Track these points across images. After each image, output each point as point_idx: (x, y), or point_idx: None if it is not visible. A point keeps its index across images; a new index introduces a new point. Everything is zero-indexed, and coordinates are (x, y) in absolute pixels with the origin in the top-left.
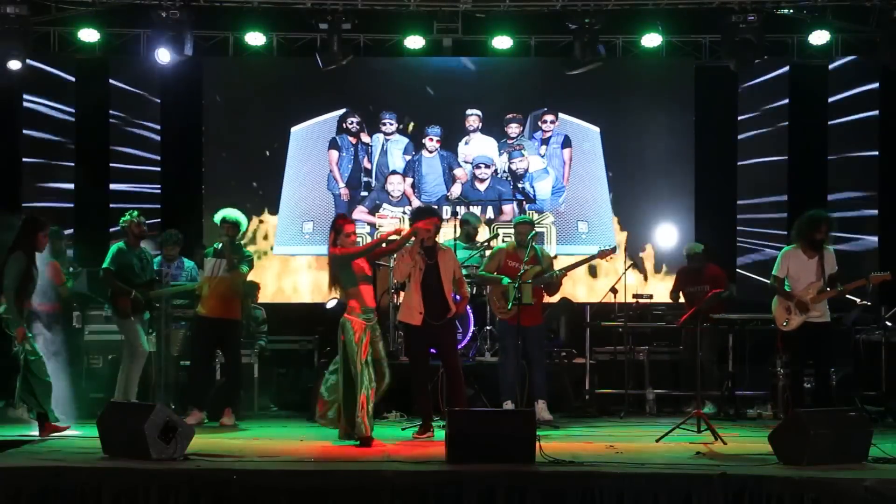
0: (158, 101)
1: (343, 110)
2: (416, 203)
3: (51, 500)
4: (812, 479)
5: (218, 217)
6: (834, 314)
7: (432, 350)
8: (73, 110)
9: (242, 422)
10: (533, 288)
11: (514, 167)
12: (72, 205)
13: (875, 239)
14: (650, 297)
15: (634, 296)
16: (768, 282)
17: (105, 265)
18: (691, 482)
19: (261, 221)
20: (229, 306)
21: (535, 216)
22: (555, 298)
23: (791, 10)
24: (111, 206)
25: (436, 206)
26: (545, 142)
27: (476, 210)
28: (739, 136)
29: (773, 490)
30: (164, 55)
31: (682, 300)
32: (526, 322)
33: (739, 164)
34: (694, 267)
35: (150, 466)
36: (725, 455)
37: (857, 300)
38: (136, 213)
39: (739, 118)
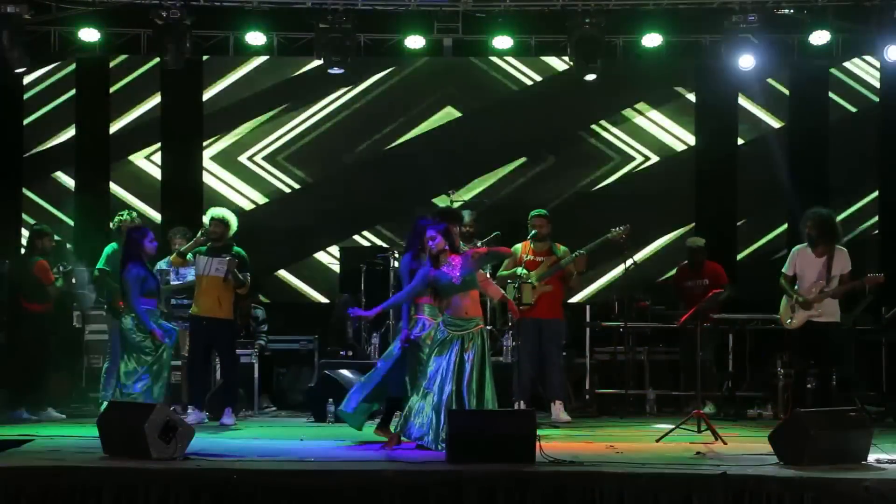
0: (159, 100)
1: None
2: None
3: (51, 500)
4: (812, 479)
5: (207, 217)
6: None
7: None
8: (73, 110)
9: (242, 422)
10: (549, 280)
11: None
12: (72, 203)
13: (875, 237)
14: (648, 300)
15: (634, 295)
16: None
17: (100, 265)
18: (691, 482)
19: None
20: (221, 305)
21: None
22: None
23: (791, 10)
24: (111, 205)
25: (459, 210)
26: None
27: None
28: (739, 136)
29: (773, 490)
30: (174, 62)
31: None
32: (544, 315)
33: (740, 163)
34: (693, 261)
35: (150, 466)
36: (725, 455)
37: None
38: (133, 213)
39: (739, 118)
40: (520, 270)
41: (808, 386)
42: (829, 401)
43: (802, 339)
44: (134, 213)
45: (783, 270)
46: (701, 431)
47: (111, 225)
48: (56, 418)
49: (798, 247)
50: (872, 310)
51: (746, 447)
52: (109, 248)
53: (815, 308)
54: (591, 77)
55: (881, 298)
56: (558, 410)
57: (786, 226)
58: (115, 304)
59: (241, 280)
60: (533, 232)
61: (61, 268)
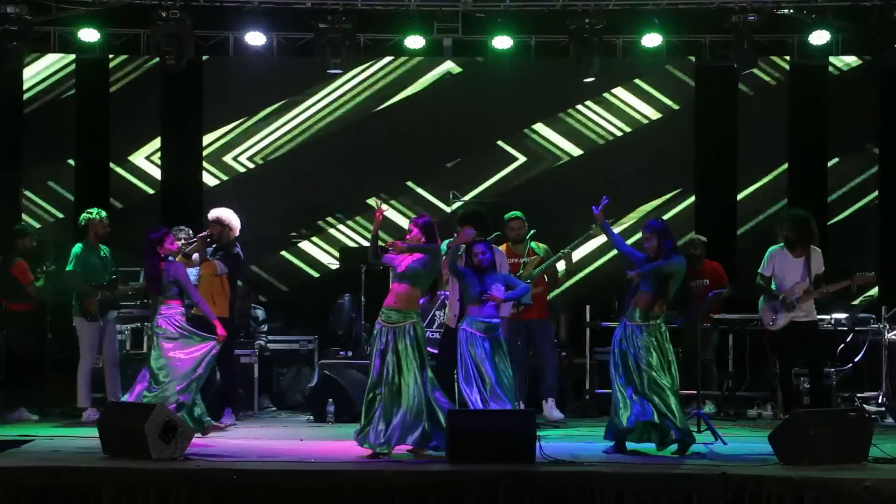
0: (158, 101)
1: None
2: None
3: (51, 500)
4: (812, 479)
5: (212, 215)
6: (833, 314)
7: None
8: (73, 110)
9: (242, 422)
10: (536, 281)
11: None
12: (72, 203)
13: (875, 239)
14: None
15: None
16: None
17: (69, 268)
18: (691, 482)
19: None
20: (216, 304)
21: None
22: None
23: (791, 10)
24: (111, 205)
25: (482, 210)
26: None
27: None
28: (739, 137)
29: (773, 490)
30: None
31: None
32: (532, 316)
33: (740, 164)
34: (692, 259)
35: (150, 466)
36: (725, 455)
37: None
38: (103, 212)
39: (739, 118)
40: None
41: (806, 386)
42: (826, 400)
43: (788, 339)
44: (104, 213)
45: (760, 271)
46: (701, 431)
47: (83, 220)
48: (27, 419)
49: (773, 248)
50: (873, 310)
51: (746, 447)
52: (77, 248)
53: (801, 308)
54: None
55: (881, 298)
56: (550, 408)
57: None
58: (86, 306)
59: (205, 255)
60: (531, 232)
61: (45, 267)
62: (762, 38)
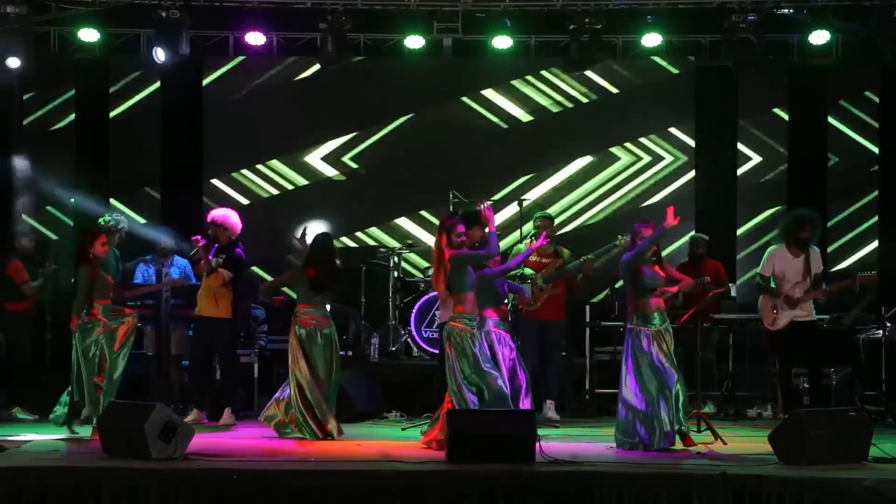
0: (158, 101)
1: None
2: None
3: (51, 500)
4: (812, 479)
5: (209, 218)
6: (833, 314)
7: None
8: (73, 111)
9: (242, 422)
10: (556, 283)
11: None
12: (71, 205)
13: (874, 241)
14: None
15: None
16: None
17: None
18: (691, 482)
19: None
20: (218, 305)
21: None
22: None
23: (791, 10)
24: (111, 203)
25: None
26: None
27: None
28: (739, 137)
29: (773, 490)
30: (160, 54)
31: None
32: (548, 316)
33: (740, 163)
34: (695, 257)
35: (150, 466)
36: (725, 455)
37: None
38: (116, 216)
39: (739, 118)
40: (528, 271)
41: (806, 386)
42: (826, 399)
43: (788, 339)
44: (119, 217)
45: (760, 271)
46: (701, 431)
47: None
48: (25, 419)
49: (773, 247)
50: (873, 310)
51: (746, 447)
52: None
53: (802, 307)
54: None
55: (881, 298)
56: (548, 409)
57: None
58: None
59: (210, 266)
60: (532, 233)
61: (46, 267)
62: (762, 38)
